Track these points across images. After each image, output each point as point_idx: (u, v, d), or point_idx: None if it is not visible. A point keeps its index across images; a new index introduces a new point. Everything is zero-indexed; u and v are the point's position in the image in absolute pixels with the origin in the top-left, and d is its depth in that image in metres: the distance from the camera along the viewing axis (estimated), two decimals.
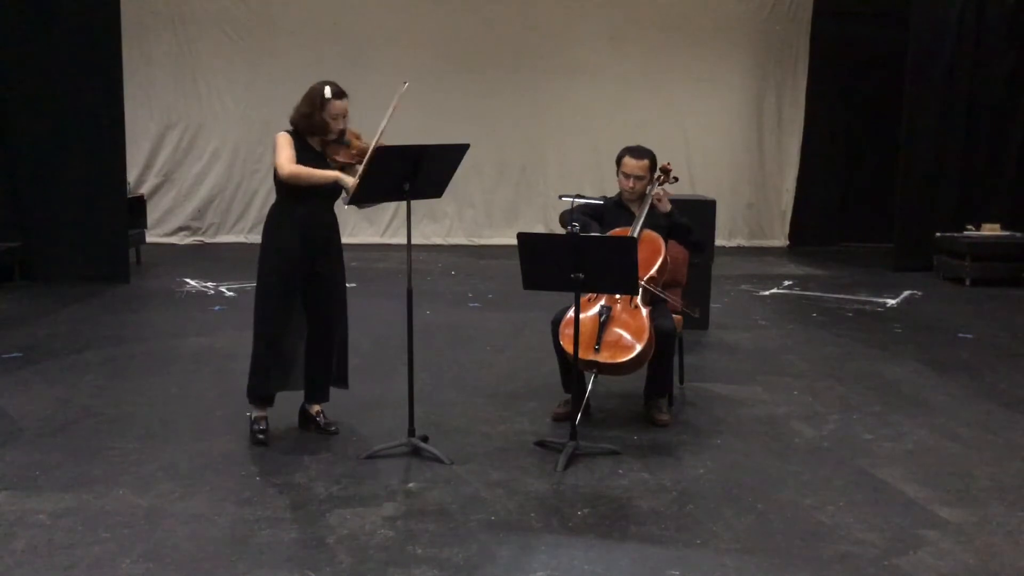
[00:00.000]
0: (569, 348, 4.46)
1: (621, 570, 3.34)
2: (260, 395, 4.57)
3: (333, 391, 4.79)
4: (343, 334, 4.75)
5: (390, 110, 4.28)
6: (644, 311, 4.68)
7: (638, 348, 4.55)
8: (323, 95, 4.38)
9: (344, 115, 4.45)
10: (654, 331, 4.63)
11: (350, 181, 4.32)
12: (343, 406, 4.89)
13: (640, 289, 4.62)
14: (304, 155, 4.43)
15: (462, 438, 4.65)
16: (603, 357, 4.53)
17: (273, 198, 4.63)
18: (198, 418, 4.93)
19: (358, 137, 4.52)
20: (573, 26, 12.18)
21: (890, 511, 3.85)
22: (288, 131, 4.47)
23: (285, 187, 4.47)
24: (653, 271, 4.81)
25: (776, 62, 12.43)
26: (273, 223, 4.54)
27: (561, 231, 4.56)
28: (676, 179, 5.22)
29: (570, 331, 4.45)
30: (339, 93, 4.43)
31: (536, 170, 12.40)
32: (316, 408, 4.76)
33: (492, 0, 12.10)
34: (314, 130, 4.45)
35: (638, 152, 5.05)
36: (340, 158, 4.48)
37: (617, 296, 4.71)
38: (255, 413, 4.60)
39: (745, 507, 3.87)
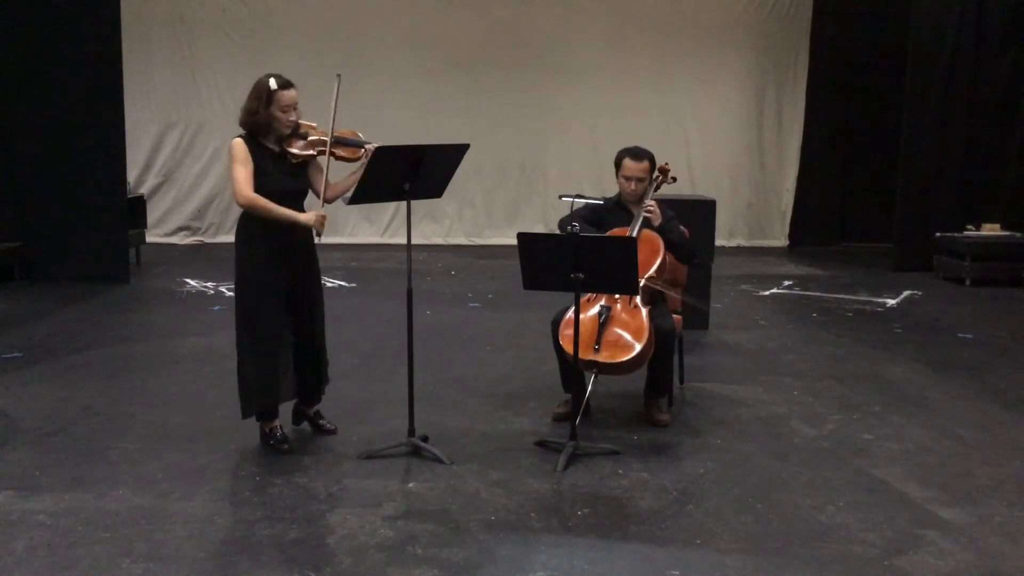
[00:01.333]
0: (569, 348, 4.46)
1: (621, 570, 3.34)
2: (265, 411, 4.47)
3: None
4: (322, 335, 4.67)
5: (334, 101, 4.22)
6: (643, 311, 4.68)
7: (638, 348, 4.54)
8: (269, 87, 4.22)
9: (294, 106, 4.27)
10: (654, 331, 4.63)
11: (310, 220, 4.24)
12: (343, 406, 4.90)
13: (640, 289, 4.62)
14: (262, 159, 4.29)
15: (462, 438, 4.65)
16: (603, 357, 4.53)
17: None
18: (198, 418, 4.93)
19: (314, 127, 4.40)
20: (573, 26, 12.18)
21: (890, 511, 3.85)
22: (242, 136, 4.32)
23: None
24: (652, 271, 4.81)
25: (776, 62, 12.43)
26: (246, 235, 4.38)
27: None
28: (674, 179, 5.22)
29: (570, 331, 4.45)
30: (286, 83, 4.26)
31: (536, 170, 12.41)
32: (313, 409, 4.76)
33: (492, 0, 12.10)
34: (265, 129, 4.28)
35: (637, 154, 5.03)
36: (299, 151, 4.33)
37: (616, 296, 4.71)
38: (267, 425, 4.49)
39: (745, 507, 3.87)
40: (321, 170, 4.38)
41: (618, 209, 5.12)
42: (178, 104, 11.98)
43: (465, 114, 11.69)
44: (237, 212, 4.56)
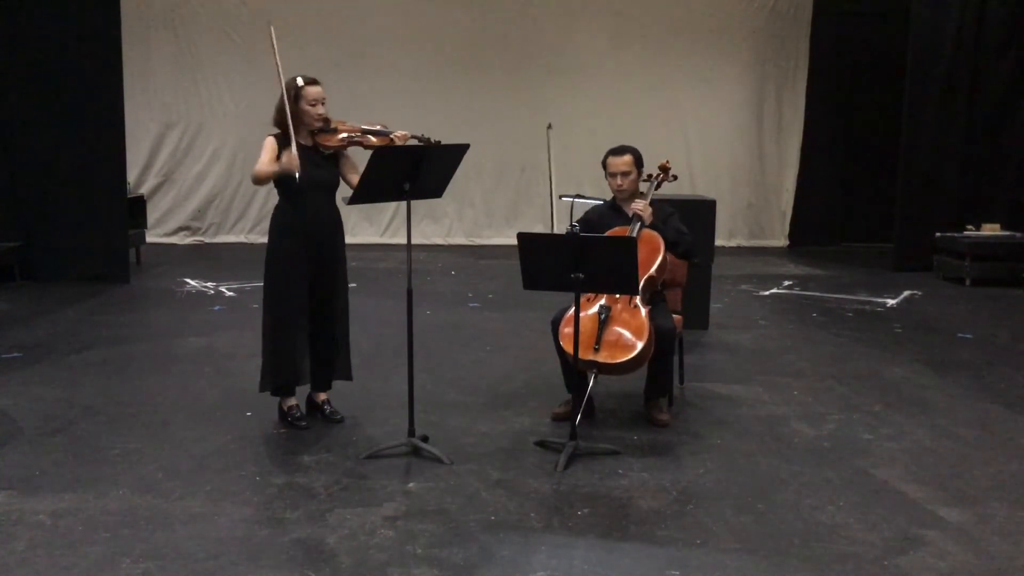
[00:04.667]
0: (569, 348, 4.46)
1: (621, 570, 3.34)
2: (286, 385, 4.72)
3: (338, 385, 4.93)
4: (345, 328, 4.87)
5: (274, 51, 4.49)
6: (643, 310, 4.68)
7: (638, 347, 4.54)
8: (297, 85, 4.56)
9: (321, 101, 4.57)
10: (654, 330, 4.63)
11: (289, 162, 4.38)
12: (344, 406, 4.91)
13: (640, 288, 4.61)
14: (297, 152, 4.51)
15: (462, 438, 4.65)
16: (603, 357, 4.52)
17: (273, 198, 4.71)
18: (198, 418, 4.93)
19: (343, 123, 4.68)
20: (573, 26, 12.18)
21: (890, 511, 3.85)
22: (275, 135, 4.57)
23: (282, 187, 4.59)
24: (652, 270, 4.81)
25: (776, 62, 12.43)
26: (277, 223, 4.65)
27: None
28: (675, 177, 5.22)
29: (569, 330, 4.45)
30: (312, 80, 4.60)
31: (536, 170, 12.38)
32: (323, 396, 4.90)
33: (492, 0, 12.10)
34: (298, 121, 4.52)
35: (619, 150, 5.07)
36: (332, 143, 4.60)
37: (616, 295, 4.71)
38: (286, 403, 4.76)
39: (745, 507, 3.87)
40: (352, 162, 4.67)
41: (613, 212, 5.12)
42: (178, 104, 11.98)
43: (465, 114, 11.68)
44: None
